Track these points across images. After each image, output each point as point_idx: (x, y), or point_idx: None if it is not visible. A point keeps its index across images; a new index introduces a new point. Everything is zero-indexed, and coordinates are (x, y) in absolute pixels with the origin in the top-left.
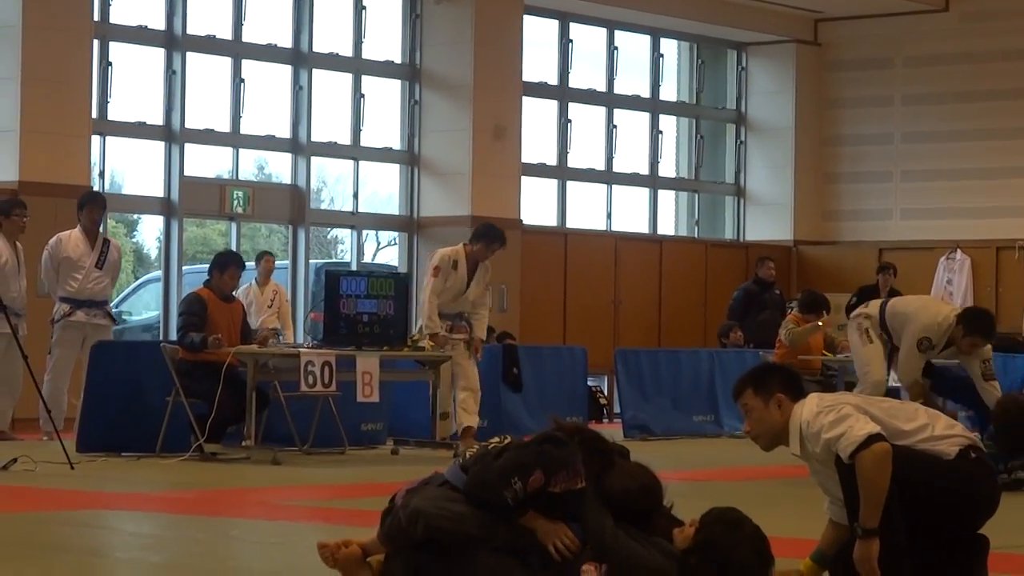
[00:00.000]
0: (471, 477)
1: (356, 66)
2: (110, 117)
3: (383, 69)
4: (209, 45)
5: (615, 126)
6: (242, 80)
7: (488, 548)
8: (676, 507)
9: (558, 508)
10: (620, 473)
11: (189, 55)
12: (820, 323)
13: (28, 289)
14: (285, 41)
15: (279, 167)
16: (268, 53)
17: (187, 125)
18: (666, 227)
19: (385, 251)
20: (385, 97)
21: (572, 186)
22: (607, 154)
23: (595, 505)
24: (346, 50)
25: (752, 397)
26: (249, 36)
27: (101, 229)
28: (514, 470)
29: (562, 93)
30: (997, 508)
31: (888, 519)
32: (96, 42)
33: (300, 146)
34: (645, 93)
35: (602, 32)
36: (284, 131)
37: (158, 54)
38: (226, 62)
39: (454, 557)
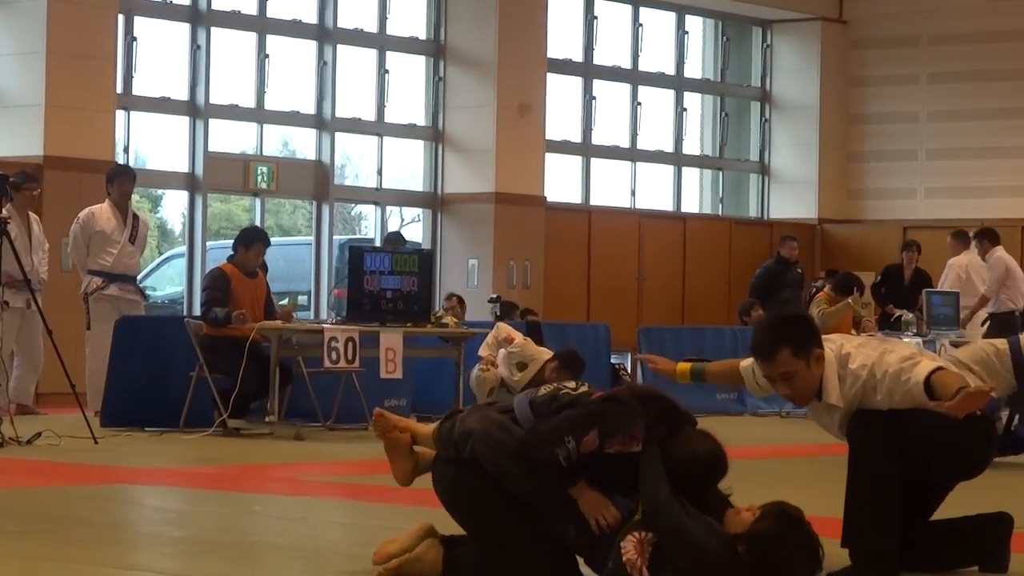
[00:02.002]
0: (528, 433)
1: (381, 42)
2: (135, 92)
3: (408, 45)
4: (234, 20)
5: (639, 103)
6: (267, 55)
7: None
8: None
9: (611, 468)
10: (687, 439)
11: (214, 30)
12: (850, 302)
13: (51, 262)
14: (310, 16)
15: (303, 143)
16: (293, 28)
17: (212, 100)
18: (690, 205)
19: (409, 227)
20: (409, 73)
21: (596, 163)
22: (631, 131)
23: (655, 469)
24: (371, 26)
25: (793, 361)
26: (274, 11)
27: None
28: (570, 429)
29: (586, 70)
30: (983, 471)
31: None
32: (121, 16)
33: (324, 122)
34: (670, 70)
35: (627, 9)
36: (309, 107)
37: (183, 29)
38: (251, 37)
39: (494, 483)
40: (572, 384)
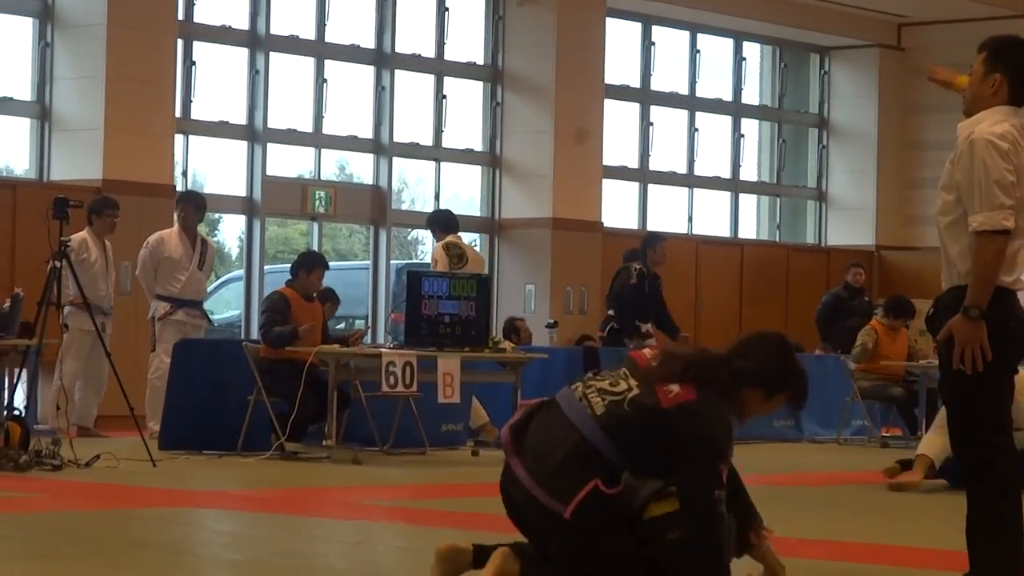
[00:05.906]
0: (685, 493)
1: (438, 67)
2: (193, 116)
3: (465, 70)
4: (292, 45)
5: (697, 129)
6: (325, 80)
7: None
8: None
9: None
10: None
11: (272, 55)
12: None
13: (114, 286)
14: (368, 42)
15: (361, 167)
16: (351, 53)
17: (270, 125)
18: (747, 231)
19: None
20: (467, 98)
21: (653, 189)
22: (689, 157)
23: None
24: (429, 51)
25: (980, 62)
26: (332, 36)
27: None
28: (716, 483)
29: (644, 96)
30: None
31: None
32: (180, 41)
33: (382, 147)
34: (727, 96)
35: (684, 35)
36: (366, 131)
37: (242, 54)
38: (309, 62)
39: None
40: (621, 386)
